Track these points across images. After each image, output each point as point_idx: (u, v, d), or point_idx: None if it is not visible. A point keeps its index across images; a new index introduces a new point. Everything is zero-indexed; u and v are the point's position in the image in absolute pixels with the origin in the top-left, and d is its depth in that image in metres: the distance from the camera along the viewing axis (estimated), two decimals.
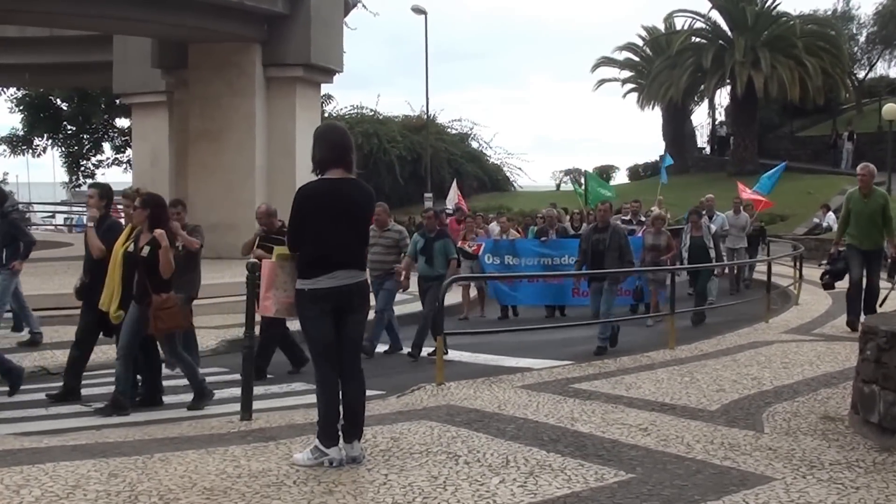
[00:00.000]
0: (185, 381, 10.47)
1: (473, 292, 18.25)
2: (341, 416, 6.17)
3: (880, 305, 12.01)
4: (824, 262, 14.60)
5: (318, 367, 6.19)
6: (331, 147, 6.22)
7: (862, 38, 51.44)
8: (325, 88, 31.94)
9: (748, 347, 11.44)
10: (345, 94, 70.65)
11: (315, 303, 6.04)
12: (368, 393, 9.52)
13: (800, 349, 11.16)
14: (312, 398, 9.44)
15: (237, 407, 7.88)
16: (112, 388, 8.94)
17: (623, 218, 19.51)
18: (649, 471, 5.95)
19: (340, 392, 6.18)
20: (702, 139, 54.05)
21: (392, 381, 10.27)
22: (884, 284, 12.90)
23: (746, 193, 23.16)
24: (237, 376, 8.37)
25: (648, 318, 15.53)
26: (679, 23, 47.43)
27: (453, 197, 29.43)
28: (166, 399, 9.61)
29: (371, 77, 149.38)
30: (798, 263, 18.11)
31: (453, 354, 11.82)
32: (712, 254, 15.52)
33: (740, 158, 42.67)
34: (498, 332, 13.78)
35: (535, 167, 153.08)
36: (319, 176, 6.20)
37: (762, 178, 24.59)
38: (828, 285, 13.78)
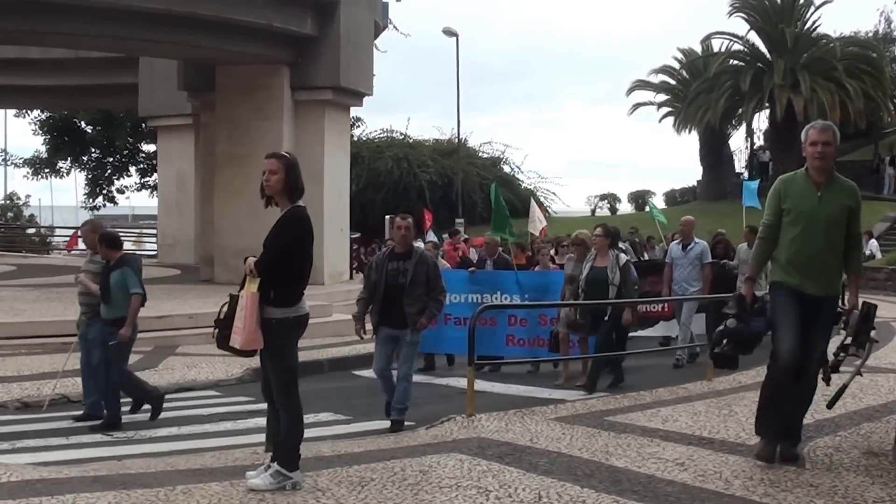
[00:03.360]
0: (209, 409, 10.43)
1: None
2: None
3: (830, 406, 7.18)
4: (727, 312, 7.18)
5: (294, 397, 6.37)
6: (301, 178, 6.47)
7: None
8: (353, 112, 31.84)
9: None
10: (372, 117, 71.28)
11: (299, 329, 6.33)
12: None
13: (842, 381, 10.86)
14: (341, 429, 9.47)
15: (262, 437, 7.76)
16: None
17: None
18: None
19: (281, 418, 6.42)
20: (740, 164, 53.69)
21: (421, 412, 10.11)
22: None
23: None
24: (262, 406, 8.23)
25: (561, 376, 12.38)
26: (716, 45, 47.19)
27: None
28: (189, 429, 9.52)
29: (399, 100, 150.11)
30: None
31: (484, 385, 11.53)
32: (612, 293, 11.46)
33: None
34: (531, 362, 13.58)
35: (569, 192, 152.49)
36: (295, 204, 6.36)
37: None
38: (721, 360, 7.45)
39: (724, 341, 7.07)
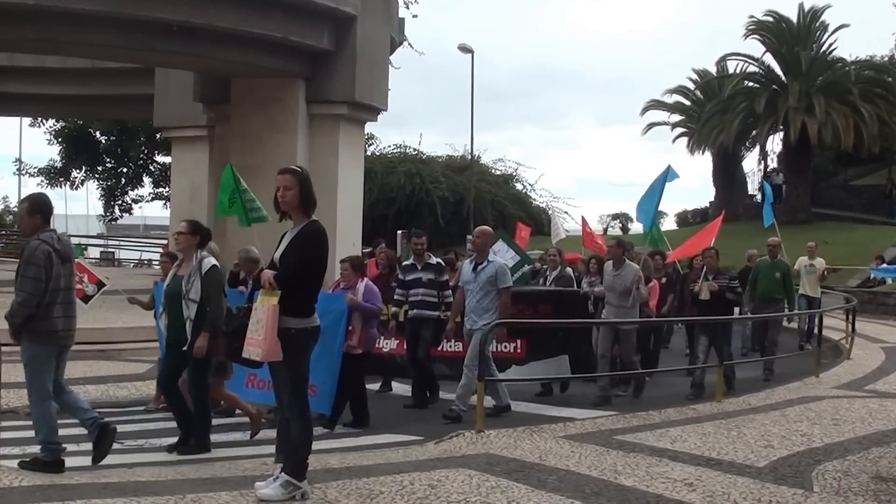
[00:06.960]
0: (218, 419, 10.41)
1: None
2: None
3: None
4: None
5: (305, 406, 6.44)
6: (314, 191, 6.54)
7: None
8: (366, 127, 31.82)
9: (798, 402, 11.17)
10: (384, 133, 71.19)
11: (314, 340, 6.44)
12: (406, 438, 9.51)
13: (851, 406, 10.88)
14: (349, 441, 9.47)
15: (271, 448, 7.80)
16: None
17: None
18: None
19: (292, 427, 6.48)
20: (752, 186, 53.58)
21: (431, 427, 10.10)
22: None
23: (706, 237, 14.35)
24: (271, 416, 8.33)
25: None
26: (731, 66, 47.06)
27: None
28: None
29: (410, 116, 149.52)
30: (850, 317, 17.65)
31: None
32: (189, 311, 8.51)
33: (793, 207, 42.11)
34: (546, 380, 13.53)
35: (580, 211, 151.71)
36: (311, 219, 6.44)
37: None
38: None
39: None
